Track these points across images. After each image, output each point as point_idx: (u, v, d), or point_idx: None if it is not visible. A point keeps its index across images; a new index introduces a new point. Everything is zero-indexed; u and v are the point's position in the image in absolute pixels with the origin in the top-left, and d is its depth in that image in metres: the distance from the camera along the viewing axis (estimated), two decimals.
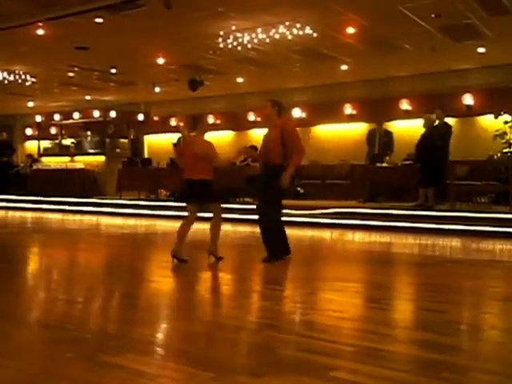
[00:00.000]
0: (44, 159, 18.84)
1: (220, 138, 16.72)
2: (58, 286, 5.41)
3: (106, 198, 14.96)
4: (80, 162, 17.48)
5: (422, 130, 10.60)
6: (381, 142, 12.46)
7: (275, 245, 6.19)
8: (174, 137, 17.81)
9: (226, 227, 10.40)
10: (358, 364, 2.93)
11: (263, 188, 6.27)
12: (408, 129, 12.72)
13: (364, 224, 9.82)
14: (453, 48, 11.03)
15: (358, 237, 9.34)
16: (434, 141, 10.28)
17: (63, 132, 19.36)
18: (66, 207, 14.63)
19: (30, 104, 18.39)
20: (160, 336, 3.66)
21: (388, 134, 12.61)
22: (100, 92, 16.10)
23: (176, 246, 6.13)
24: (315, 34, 10.19)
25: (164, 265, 6.59)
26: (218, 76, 13.71)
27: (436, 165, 10.16)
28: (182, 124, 16.90)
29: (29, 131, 21.19)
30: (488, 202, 10.99)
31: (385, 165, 11.89)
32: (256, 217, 6.37)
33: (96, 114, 17.77)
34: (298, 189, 13.10)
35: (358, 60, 12.26)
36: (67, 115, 18.62)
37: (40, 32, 9.91)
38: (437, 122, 10.75)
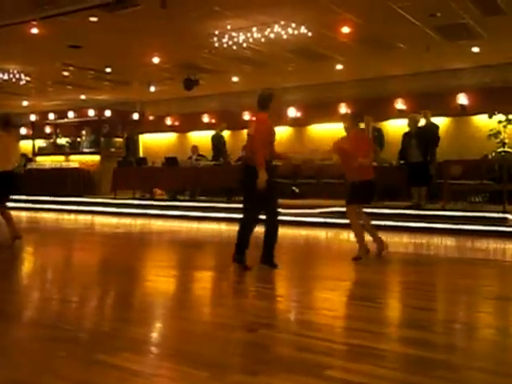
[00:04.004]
0: (39, 158, 18.77)
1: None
2: (52, 285, 5.40)
3: (101, 198, 14.93)
4: (75, 161, 17.44)
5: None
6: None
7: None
8: (168, 136, 17.95)
9: (222, 226, 10.43)
10: (351, 362, 2.94)
11: None
12: (403, 128, 12.73)
13: None
14: (447, 47, 11.06)
15: (352, 236, 9.32)
16: (427, 140, 10.34)
17: (58, 131, 19.30)
18: (61, 207, 14.60)
19: (25, 103, 18.31)
20: (155, 335, 3.66)
21: (378, 130, 12.64)
22: (95, 91, 16.05)
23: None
24: (310, 34, 10.20)
25: (159, 264, 6.60)
26: (213, 75, 13.70)
27: (425, 164, 10.22)
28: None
29: (23, 130, 21.11)
30: (482, 201, 11.04)
31: (384, 164, 11.90)
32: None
33: (91, 113, 17.71)
34: (293, 188, 13.10)
35: (352, 59, 12.28)
36: (62, 114, 18.56)
37: (34, 31, 9.86)
38: (423, 122, 10.82)
